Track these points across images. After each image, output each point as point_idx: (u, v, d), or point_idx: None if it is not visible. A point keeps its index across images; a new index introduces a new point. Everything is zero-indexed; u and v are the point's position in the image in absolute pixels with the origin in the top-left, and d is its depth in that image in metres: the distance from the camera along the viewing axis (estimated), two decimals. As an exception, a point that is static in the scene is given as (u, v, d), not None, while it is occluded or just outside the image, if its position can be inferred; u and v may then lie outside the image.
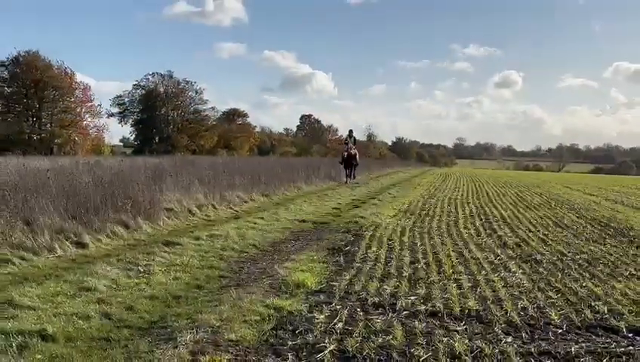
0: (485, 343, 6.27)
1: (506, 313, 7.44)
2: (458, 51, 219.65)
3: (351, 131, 36.40)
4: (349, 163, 33.91)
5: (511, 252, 12.04)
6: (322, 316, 7.10)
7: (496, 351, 6.07)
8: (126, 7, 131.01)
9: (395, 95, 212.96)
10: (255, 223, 15.20)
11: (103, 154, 58.55)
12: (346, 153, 33.54)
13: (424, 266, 10.30)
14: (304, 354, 5.86)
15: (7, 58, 66.53)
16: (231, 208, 18.28)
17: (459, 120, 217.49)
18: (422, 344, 6.20)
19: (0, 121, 64.59)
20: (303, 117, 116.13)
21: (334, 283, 8.76)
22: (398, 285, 8.77)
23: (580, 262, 11.12)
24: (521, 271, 10.12)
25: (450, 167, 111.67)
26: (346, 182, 33.75)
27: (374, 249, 11.87)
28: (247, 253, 11.39)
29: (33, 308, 7.10)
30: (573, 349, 6.19)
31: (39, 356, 5.63)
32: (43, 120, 67.62)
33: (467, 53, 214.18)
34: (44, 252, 10.18)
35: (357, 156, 34.92)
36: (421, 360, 5.75)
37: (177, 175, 19.63)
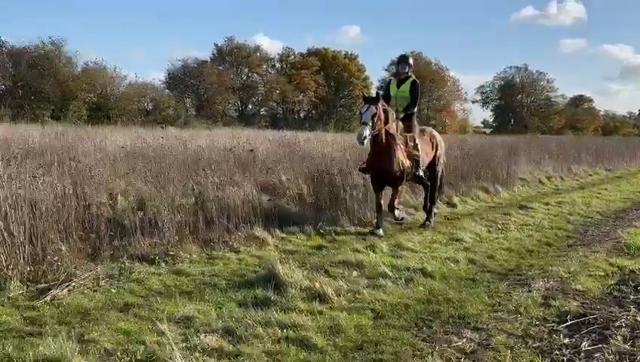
0: None
1: None
2: None
3: (403, 59, 9.02)
4: (383, 172, 8.38)
5: None
6: (664, 278, 6.41)
7: None
8: (482, 16, 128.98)
9: None
10: (599, 193, 14.19)
11: (467, 133, 59.01)
12: (364, 137, 7.72)
13: None
14: (646, 308, 5.37)
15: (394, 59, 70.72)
16: (576, 180, 17.34)
17: None
18: None
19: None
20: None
21: (676, 250, 7.84)
22: None
23: None
24: None
25: None
26: (378, 229, 8.33)
27: None
28: (591, 218, 10.68)
29: (415, 251, 7.50)
30: None
31: (421, 288, 5.94)
32: (422, 106, 70.42)
33: None
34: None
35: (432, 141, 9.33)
36: None
37: (530, 151, 19.27)
